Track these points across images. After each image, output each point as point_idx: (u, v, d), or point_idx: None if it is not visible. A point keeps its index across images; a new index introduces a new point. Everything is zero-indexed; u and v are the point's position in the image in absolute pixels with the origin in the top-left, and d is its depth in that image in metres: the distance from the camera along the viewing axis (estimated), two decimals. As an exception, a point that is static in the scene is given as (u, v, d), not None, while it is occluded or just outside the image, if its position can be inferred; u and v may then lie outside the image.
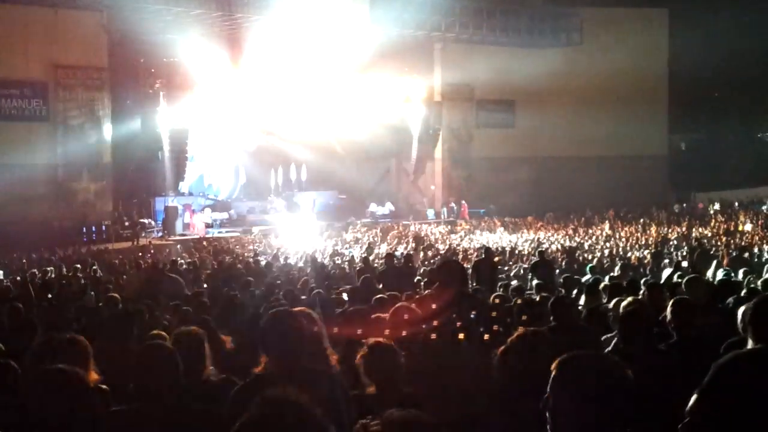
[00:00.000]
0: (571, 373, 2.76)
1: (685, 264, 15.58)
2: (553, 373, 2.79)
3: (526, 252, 24.67)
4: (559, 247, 26.51)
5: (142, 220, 34.48)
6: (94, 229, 31.98)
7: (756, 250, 22.24)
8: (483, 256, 15.96)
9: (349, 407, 4.06)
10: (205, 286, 15.22)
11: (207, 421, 3.81)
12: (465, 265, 12.46)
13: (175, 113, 34.69)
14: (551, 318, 7.38)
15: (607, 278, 13.21)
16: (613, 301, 8.11)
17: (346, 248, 28.85)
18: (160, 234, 34.02)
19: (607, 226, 34.62)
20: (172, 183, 36.44)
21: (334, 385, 4.04)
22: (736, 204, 41.53)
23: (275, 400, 2.19)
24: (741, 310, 5.92)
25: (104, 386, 4.58)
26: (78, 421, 3.32)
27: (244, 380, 4.24)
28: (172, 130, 34.75)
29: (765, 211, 37.53)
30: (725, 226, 31.92)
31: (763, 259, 19.42)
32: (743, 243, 23.95)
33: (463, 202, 41.34)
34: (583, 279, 13.79)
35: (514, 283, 13.81)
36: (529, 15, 42.03)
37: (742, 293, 8.31)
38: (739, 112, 54.00)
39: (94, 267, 20.29)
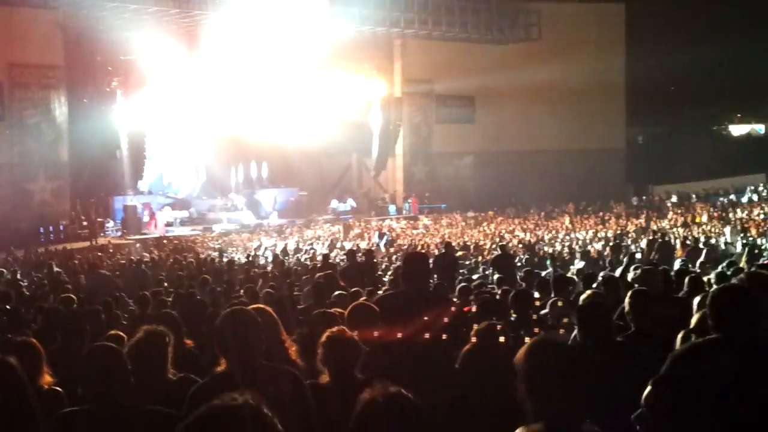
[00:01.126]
0: (539, 359, 2.95)
1: (639, 256, 15.83)
2: (523, 360, 2.93)
3: (487, 246, 24.81)
4: (520, 241, 26.71)
5: (100, 220, 34.09)
6: (51, 229, 31.57)
7: (713, 241, 22.61)
8: (444, 250, 16.01)
9: (309, 404, 4.05)
10: (165, 284, 15.10)
11: (160, 421, 3.77)
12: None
13: (132, 111, 34.30)
14: (512, 312, 7.44)
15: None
16: (549, 302, 8.20)
17: (308, 245, 28.79)
18: (119, 233, 33.69)
19: (567, 219, 34.94)
20: (131, 182, 36.05)
21: (296, 383, 4.03)
22: (693, 196, 42.16)
23: (222, 406, 2.18)
24: (696, 300, 6.02)
25: (58, 388, 4.53)
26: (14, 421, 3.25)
27: (203, 379, 4.22)
28: (130, 128, 34.37)
29: (722, 202, 38.09)
30: (682, 218, 32.35)
31: (719, 250, 19.76)
32: (700, 235, 24.30)
33: (414, 196, 41.54)
34: (543, 273, 13.92)
35: (475, 277, 13.89)
36: (488, 11, 42.21)
37: (686, 283, 8.45)
38: (695, 106, 54.75)
39: (56, 270, 19.98)
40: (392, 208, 41.22)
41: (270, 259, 22.32)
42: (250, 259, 22.48)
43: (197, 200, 39.79)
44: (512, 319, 7.26)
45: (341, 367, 4.26)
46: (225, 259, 21.16)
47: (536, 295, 8.93)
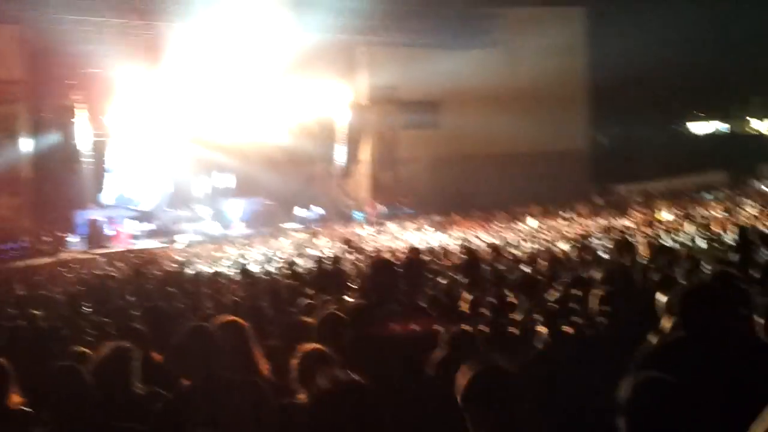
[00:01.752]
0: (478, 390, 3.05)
1: (605, 256, 15.91)
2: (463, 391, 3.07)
3: (454, 250, 24.83)
4: (488, 245, 26.77)
5: (62, 235, 33.70)
6: (13, 246, 31.13)
7: (676, 238, 22.81)
8: (410, 256, 15.98)
9: (275, 416, 4.01)
10: (133, 299, 14.95)
11: None
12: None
13: (94, 124, 34.00)
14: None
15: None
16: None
17: (275, 255, 28.69)
18: (82, 248, 33.33)
19: (532, 221, 35.11)
20: (93, 195, 35.69)
21: (260, 396, 3.98)
22: (657, 195, 42.55)
23: None
24: (663, 299, 6.05)
25: (27, 409, 4.44)
26: None
27: (170, 394, 4.16)
28: (92, 142, 34.05)
29: (686, 200, 38.47)
30: (646, 217, 32.62)
31: (684, 248, 19.93)
32: (664, 233, 24.50)
33: (373, 203, 41.69)
34: (511, 276, 13.94)
35: (443, 282, 13.88)
36: (450, 16, 42.35)
37: (655, 281, 8.49)
38: (657, 105, 55.31)
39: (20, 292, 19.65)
40: (359, 215, 41.23)
41: (238, 270, 22.17)
42: (218, 270, 22.34)
43: (161, 212, 39.49)
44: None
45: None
46: (192, 271, 21.01)
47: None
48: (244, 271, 19.00)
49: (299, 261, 23.45)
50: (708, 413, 3.47)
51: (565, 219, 34.93)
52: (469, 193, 41.72)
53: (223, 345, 4.00)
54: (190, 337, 4.03)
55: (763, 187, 40.84)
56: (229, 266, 25.18)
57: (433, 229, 35.99)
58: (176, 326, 8.01)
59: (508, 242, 27.12)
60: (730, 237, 18.65)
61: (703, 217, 29.90)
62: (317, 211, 41.12)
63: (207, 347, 3.94)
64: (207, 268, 24.05)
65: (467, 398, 3.01)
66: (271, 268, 22.99)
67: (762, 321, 4.30)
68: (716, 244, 17.93)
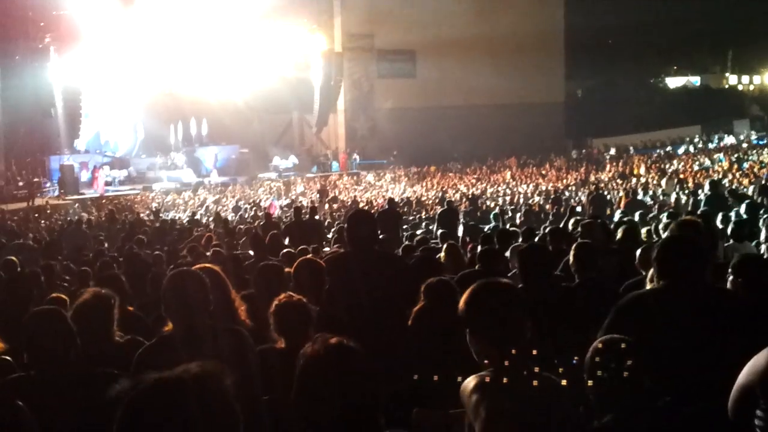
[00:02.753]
0: (479, 302, 3.04)
1: (580, 209, 16.02)
2: (464, 304, 3.05)
3: (429, 202, 24.90)
4: (463, 195, 26.86)
5: (36, 180, 33.36)
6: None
7: (650, 192, 23.01)
8: (387, 206, 16.02)
9: (257, 363, 4.04)
10: (106, 245, 14.89)
11: (110, 383, 3.73)
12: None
13: (67, 68, 33.44)
14: (478, 265, 7.48)
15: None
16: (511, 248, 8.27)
17: (250, 203, 28.60)
18: (56, 193, 33.04)
19: (508, 173, 35.23)
20: (67, 140, 35.27)
21: (241, 343, 4.00)
22: (631, 148, 42.80)
23: (162, 378, 2.09)
24: (639, 251, 6.13)
25: (7, 357, 4.44)
26: None
27: (150, 341, 4.18)
28: (65, 86, 33.51)
29: (659, 154, 38.70)
30: (621, 170, 32.82)
31: (658, 201, 20.13)
32: (638, 186, 24.69)
33: (343, 152, 41.57)
34: (487, 227, 14.07)
35: (419, 233, 13.96)
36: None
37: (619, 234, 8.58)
38: (632, 59, 55.37)
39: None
40: (335, 165, 41.11)
41: (212, 218, 22.12)
42: (194, 217, 22.26)
43: (136, 159, 39.13)
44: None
45: (295, 333, 4.22)
46: (166, 218, 20.91)
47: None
48: (221, 219, 18.96)
49: (275, 210, 23.43)
50: (685, 361, 3.55)
51: (540, 172, 35.06)
52: (445, 143, 41.70)
53: (203, 292, 3.98)
54: (169, 284, 4.03)
55: (735, 141, 41.18)
56: (204, 213, 25.10)
57: (407, 179, 35.99)
58: (154, 273, 8.02)
59: (485, 193, 27.20)
60: (702, 190, 18.86)
61: (675, 170, 30.13)
62: (293, 160, 40.91)
63: (186, 295, 3.93)
64: (182, 215, 23.95)
65: (469, 305, 3.04)
66: (248, 217, 22.96)
67: (732, 274, 4.37)
68: (689, 197, 18.09)
